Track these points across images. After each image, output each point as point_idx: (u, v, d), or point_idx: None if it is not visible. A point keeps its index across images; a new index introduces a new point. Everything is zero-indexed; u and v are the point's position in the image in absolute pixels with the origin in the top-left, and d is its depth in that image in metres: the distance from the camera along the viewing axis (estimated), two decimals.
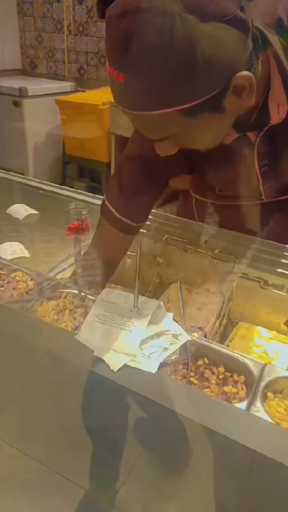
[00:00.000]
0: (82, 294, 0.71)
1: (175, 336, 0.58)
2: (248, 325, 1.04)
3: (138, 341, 0.54)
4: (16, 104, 3.15)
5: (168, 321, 0.60)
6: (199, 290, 1.13)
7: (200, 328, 0.99)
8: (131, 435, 0.57)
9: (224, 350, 0.61)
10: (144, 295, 1.12)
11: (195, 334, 0.64)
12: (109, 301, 0.60)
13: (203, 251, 1.11)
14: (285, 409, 0.52)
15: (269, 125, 0.81)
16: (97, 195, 1.34)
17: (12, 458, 0.73)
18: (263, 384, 0.53)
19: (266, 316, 1.06)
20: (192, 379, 0.58)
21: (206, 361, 0.60)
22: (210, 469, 0.53)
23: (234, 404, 0.52)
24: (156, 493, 0.65)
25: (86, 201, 1.29)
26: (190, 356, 0.59)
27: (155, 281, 1.17)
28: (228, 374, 0.58)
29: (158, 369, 0.54)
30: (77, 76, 3.72)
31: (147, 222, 1.18)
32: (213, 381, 0.58)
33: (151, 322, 0.58)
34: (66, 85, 3.55)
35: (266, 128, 0.82)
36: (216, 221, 1.22)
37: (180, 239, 1.14)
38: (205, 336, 0.97)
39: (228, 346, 0.97)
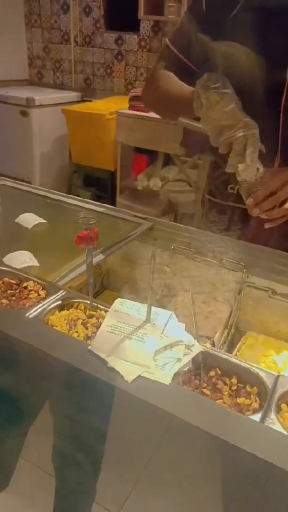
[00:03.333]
0: (94, 303, 0.72)
1: (188, 346, 0.58)
2: (256, 334, 1.04)
3: (151, 352, 0.54)
4: (24, 114, 3.19)
5: (180, 332, 0.60)
6: (207, 299, 1.13)
7: (208, 338, 0.99)
8: (143, 445, 0.57)
9: (237, 361, 0.61)
10: (152, 304, 1.13)
11: (207, 345, 0.64)
12: (122, 312, 0.60)
13: (211, 260, 1.11)
14: None
15: None
16: (103, 204, 1.35)
17: (25, 471, 0.73)
18: (277, 395, 0.53)
19: (274, 325, 1.06)
20: (205, 390, 0.58)
21: (219, 372, 0.60)
22: (224, 481, 0.53)
23: (248, 415, 0.52)
24: (166, 503, 0.65)
25: (94, 210, 1.30)
26: (202, 367, 0.59)
27: (162, 290, 1.17)
28: (241, 385, 0.58)
29: (174, 380, 0.54)
30: (84, 86, 3.76)
31: (154, 231, 1.19)
32: (226, 392, 0.57)
33: (164, 333, 0.58)
34: (73, 95, 3.59)
35: None
36: (226, 225, 1.23)
37: (188, 248, 1.14)
38: (213, 346, 0.97)
39: (236, 355, 0.97)
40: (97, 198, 3.18)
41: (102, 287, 1.33)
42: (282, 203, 0.91)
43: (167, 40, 1.11)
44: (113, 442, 0.58)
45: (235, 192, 1.17)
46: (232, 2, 0.95)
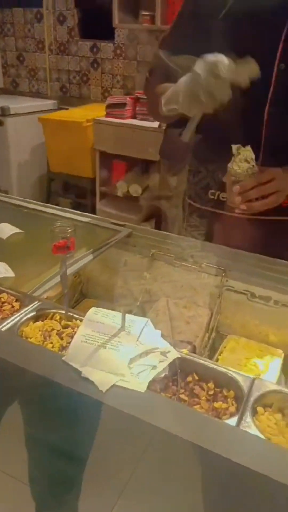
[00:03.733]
0: (69, 313, 0.71)
1: (163, 353, 0.57)
2: (237, 337, 1.05)
3: (126, 360, 0.53)
4: None
5: (156, 339, 0.60)
6: (187, 304, 1.13)
7: (189, 342, 0.99)
8: (122, 455, 0.56)
9: (213, 366, 0.61)
10: (132, 311, 1.12)
11: (184, 351, 0.64)
12: (96, 321, 0.59)
13: (190, 265, 1.12)
14: (275, 423, 0.52)
15: None
16: (81, 212, 1.34)
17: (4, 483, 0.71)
18: (252, 398, 0.53)
19: (254, 328, 1.07)
20: (182, 396, 0.58)
21: (196, 377, 0.60)
22: (205, 487, 0.52)
23: (225, 420, 0.51)
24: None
25: (71, 219, 1.29)
26: (179, 373, 0.59)
27: (143, 296, 1.17)
28: (218, 389, 0.58)
29: (147, 387, 0.53)
30: (60, 94, 3.76)
31: (133, 238, 1.19)
32: (203, 397, 0.57)
33: (139, 341, 0.58)
34: (49, 103, 3.58)
35: None
36: (205, 230, 1.24)
37: (167, 254, 1.14)
38: (194, 350, 0.97)
39: (217, 359, 0.97)
40: (77, 205, 3.16)
41: (82, 296, 1.32)
42: (264, 198, 0.93)
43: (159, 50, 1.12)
44: (93, 455, 0.57)
45: (215, 198, 1.19)
46: (218, 9, 0.98)
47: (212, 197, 1.19)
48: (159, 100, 1.01)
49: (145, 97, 2.72)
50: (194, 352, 0.96)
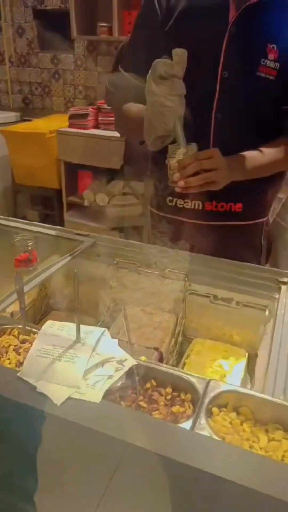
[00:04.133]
0: (27, 328, 0.70)
1: (120, 362, 0.58)
2: (203, 340, 1.06)
3: (81, 372, 0.54)
4: None
5: (113, 348, 0.61)
6: (153, 310, 1.15)
7: (156, 349, 1.00)
8: (80, 468, 0.56)
9: (170, 370, 0.62)
10: (100, 320, 1.12)
11: (142, 358, 0.65)
12: (52, 334, 0.59)
13: (154, 271, 1.13)
14: (230, 422, 0.54)
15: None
16: (45, 224, 1.33)
17: None
18: (207, 400, 0.54)
19: (219, 330, 1.09)
20: (141, 403, 0.59)
21: (154, 383, 0.61)
22: (168, 493, 0.53)
23: (182, 423, 0.52)
24: None
25: (32, 231, 1.28)
26: (137, 380, 0.60)
27: (109, 305, 1.17)
28: (176, 394, 0.59)
29: (106, 397, 0.54)
30: (22, 106, 3.73)
31: (97, 247, 1.20)
32: (162, 403, 0.58)
33: (95, 351, 0.58)
34: (11, 115, 3.55)
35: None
36: (169, 236, 1.27)
37: (131, 262, 1.15)
38: (161, 356, 0.98)
39: (184, 363, 0.98)
40: (45, 217, 3.14)
41: (49, 308, 1.31)
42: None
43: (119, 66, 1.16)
44: (49, 469, 0.56)
45: (173, 204, 1.21)
46: (166, 20, 1.02)
47: (170, 204, 1.21)
48: (127, 120, 1.04)
49: (107, 107, 2.75)
50: (161, 358, 0.98)
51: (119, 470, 0.47)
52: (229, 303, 1.06)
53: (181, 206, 1.20)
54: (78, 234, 1.27)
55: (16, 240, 1.12)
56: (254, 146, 1.07)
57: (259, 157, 1.07)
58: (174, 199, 1.21)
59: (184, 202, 1.19)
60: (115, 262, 1.17)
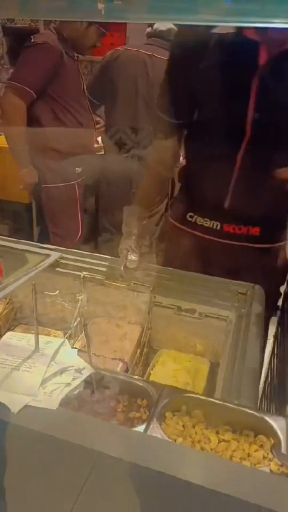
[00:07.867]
0: None
1: (78, 370, 0.60)
2: (168, 351, 1.09)
3: (38, 380, 0.55)
4: None
5: (72, 357, 0.62)
6: (120, 322, 1.17)
7: (121, 360, 1.02)
8: (42, 476, 0.57)
9: (126, 378, 0.64)
10: (67, 333, 1.13)
11: (104, 367, 0.67)
12: (11, 345, 0.61)
13: (120, 284, 1.15)
14: (183, 425, 0.56)
15: None
16: (11, 238, 1.33)
17: None
18: (161, 405, 0.57)
19: (183, 340, 1.12)
20: (99, 409, 0.60)
21: (112, 390, 0.63)
22: (136, 494, 0.54)
23: (137, 427, 0.55)
24: None
25: (0, 245, 1.28)
26: (96, 388, 0.62)
27: (76, 318, 1.18)
28: (133, 400, 0.61)
29: (64, 405, 0.55)
30: None
31: (63, 261, 1.21)
32: (119, 409, 0.60)
33: (54, 360, 0.60)
34: None
35: None
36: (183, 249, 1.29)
37: (97, 275, 1.17)
38: (127, 367, 1.00)
39: (150, 373, 1.00)
40: (16, 231, 3.11)
41: (16, 321, 1.30)
42: None
43: None
44: (9, 479, 0.57)
45: (193, 221, 1.24)
46: (196, 59, 1.02)
47: (190, 219, 1.24)
48: None
49: None
50: (127, 368, 0.99)
51: (77, 475, 0.49)
52: (192, 314, 1.09)
53: (200, 224, 1.22)
54: (44, 248, 1.28)
55: None
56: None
57: None
58: (195, 216, 1.23)
59: (204, 221, 1.22)
60: (81, 276, 1.19)
